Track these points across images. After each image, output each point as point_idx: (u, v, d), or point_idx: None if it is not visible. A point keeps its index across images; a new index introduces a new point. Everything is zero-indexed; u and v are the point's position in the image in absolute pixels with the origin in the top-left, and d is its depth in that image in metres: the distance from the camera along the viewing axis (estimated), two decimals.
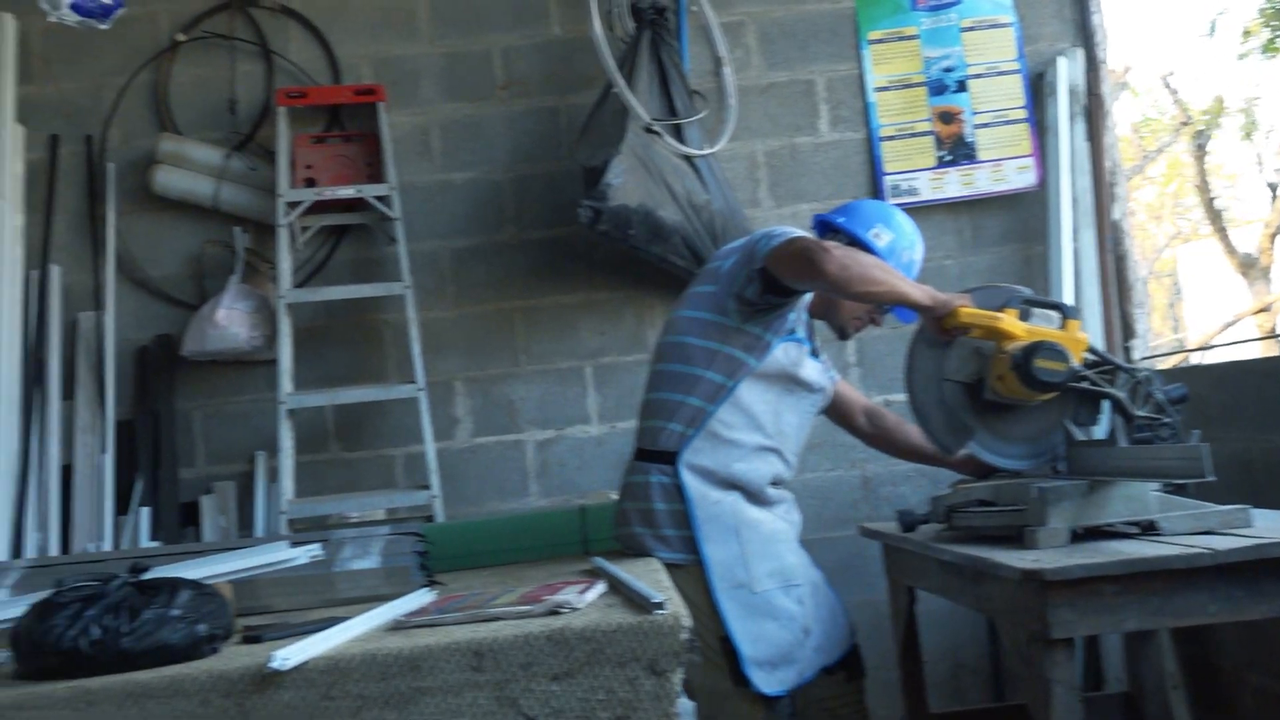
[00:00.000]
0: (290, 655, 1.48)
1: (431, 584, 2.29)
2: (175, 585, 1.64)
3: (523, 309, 3.79)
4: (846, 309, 2.60)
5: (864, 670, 2.62)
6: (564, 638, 1.55)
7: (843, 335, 2.69)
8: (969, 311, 2.26)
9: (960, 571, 2.32)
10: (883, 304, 2.45)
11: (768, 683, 2.37)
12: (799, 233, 2.35)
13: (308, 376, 3.60)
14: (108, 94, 3.73)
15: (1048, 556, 1.99)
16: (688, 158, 3.56)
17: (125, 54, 3.70)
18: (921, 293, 2.27)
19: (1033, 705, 2.00)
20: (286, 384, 3.42)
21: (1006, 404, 2.32)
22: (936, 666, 3.61)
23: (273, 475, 3.58)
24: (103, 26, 2.63)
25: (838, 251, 2.24)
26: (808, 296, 2.50)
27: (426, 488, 3.39)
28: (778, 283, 2.34)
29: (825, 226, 2.64)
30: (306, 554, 1.93)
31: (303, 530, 3.35)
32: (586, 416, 3.77)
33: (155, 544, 3.45)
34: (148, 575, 1.67)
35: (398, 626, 1.76)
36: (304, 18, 3.74)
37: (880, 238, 2.56)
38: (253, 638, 1.74)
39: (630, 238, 3.41)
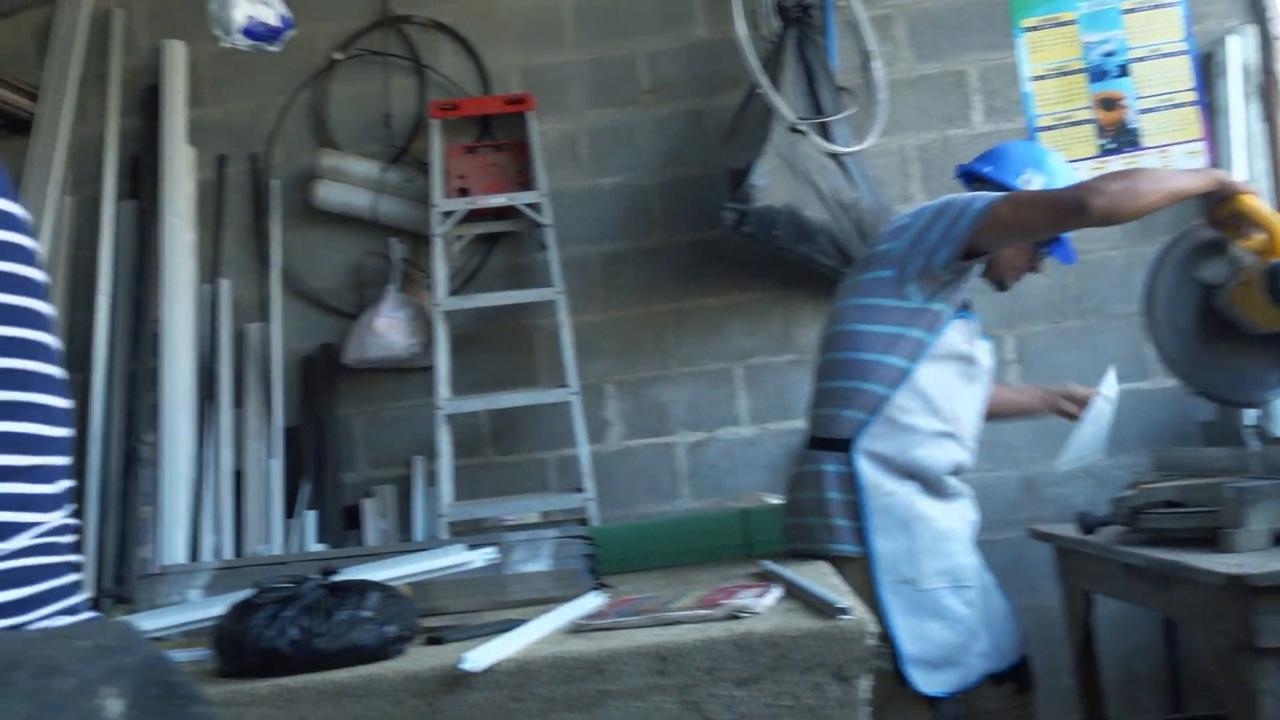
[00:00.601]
0: (480, 657, 1.50)
1: (600, 586, 2.30)
2: (365, 587, 1.68)
3: (671, 312, 3.79)
4: (1006, 260, 2.51)
5: (1035, 682, 2.53)
6: (748, 643, 1.53)
7: (1001, 287, 2.61)
8: (1250, 201, 2.15)
9: (1147, 575, 2.22)
10: (1158, 210, 2.21)
11: (927, 683, 2.31)
12: (999, 196, 2.28)
13: (462, 382, 3.67)
14: (270, 114, 3.87)
15: (1251, 560, 1.88)
16: (834, 156, 3.51)
17: (286, 75, 3.84)
18: (1199, 179, 2.22)
19: (1236, 717, 1.90)
20: (444, 390, 3.49)
21: (1233, 326, 2.21)
22: (1108, 674, 3.46)
23: (430, 479, 3.67)
24: (273, 49, 2.73)
25: (1097, 184, 2.17)
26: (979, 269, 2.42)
27: (581, 490, 3.42)
28: (972, 249, 2.28)
29: (970, 177, 2.57)
30: (483, 557, 1.96)
31: (461, 533, 3.41)
32: (737, 418, 3.75)
33: (321, 546, 3.57)
34: (337, 577, 1.72)
35: (578, 629, 1.76)
36: (454, 31, 3.82)
37: (1031, 183, 2.47)
38: (436, 639, 1.77)
39: (776, 238, 3.38)
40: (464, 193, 3.62)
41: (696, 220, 3.76)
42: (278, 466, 3.64)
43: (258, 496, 3.65)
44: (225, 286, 3.81)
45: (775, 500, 2.86)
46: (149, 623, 2.15)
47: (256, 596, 1.66)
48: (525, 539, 2.23)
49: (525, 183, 3.65)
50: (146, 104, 3.86)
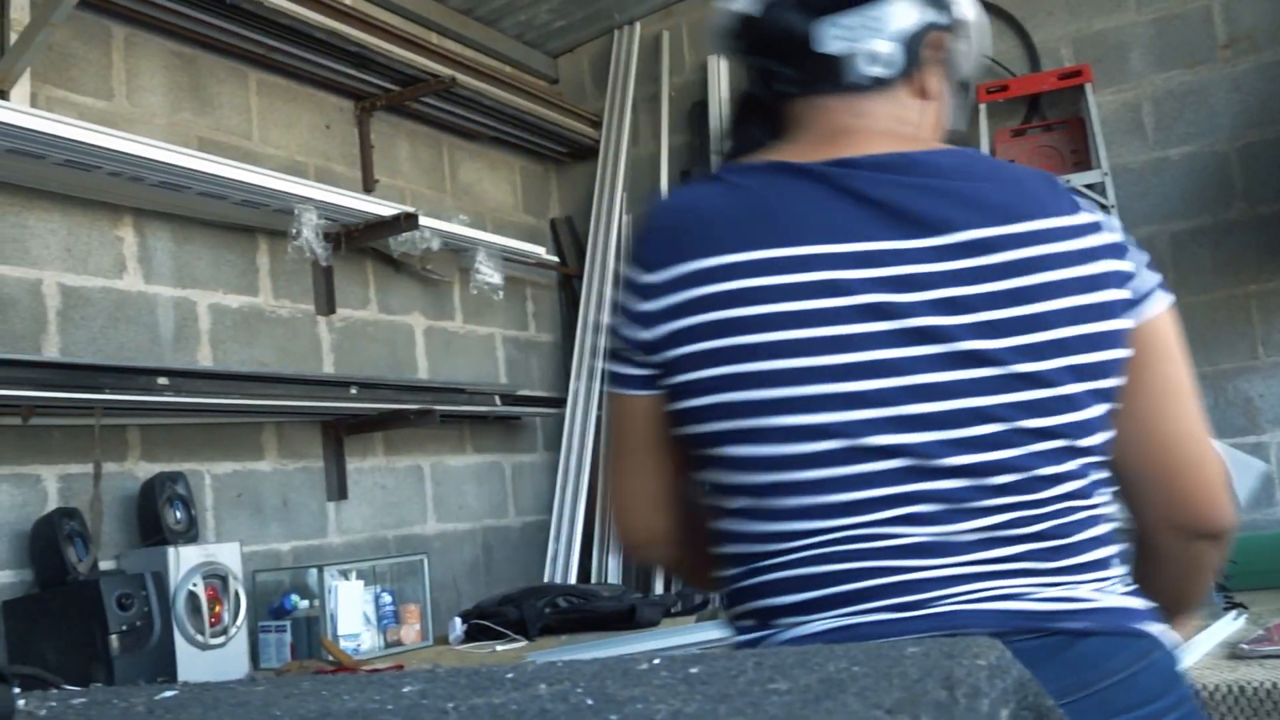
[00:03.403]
0: None
1: (1234, 606, 2.03)
2: None
3: (1258, 294, 3.33)
4: None
5: None
6: None
7: None
8: None
9: None
10: None
11: None
12: None
13: None
14: None
15: None
16: None
17: None
18: None
19: None
20: None
21: None
22: None
23: None
24: None
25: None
26: None
27: None
28: None
29: None
30: None
31: None
32: None
33: None
34: None
35: (1237, 655, 1.54)
36: (1000, 9, 3.64)
37: None
38: None
39: None
40: None
41: None
42: None
43: None
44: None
45: None
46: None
47: None
48: None
49: (1081, 162, 3.38)
50: (694, 120, 4.06)
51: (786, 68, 1.00)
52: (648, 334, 0.96)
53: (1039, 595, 0.89)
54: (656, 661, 0.53)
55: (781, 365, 0.90)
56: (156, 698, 0.91)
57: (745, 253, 0.92)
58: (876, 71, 0.99)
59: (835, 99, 1.00)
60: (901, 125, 1.01)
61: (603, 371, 1.06)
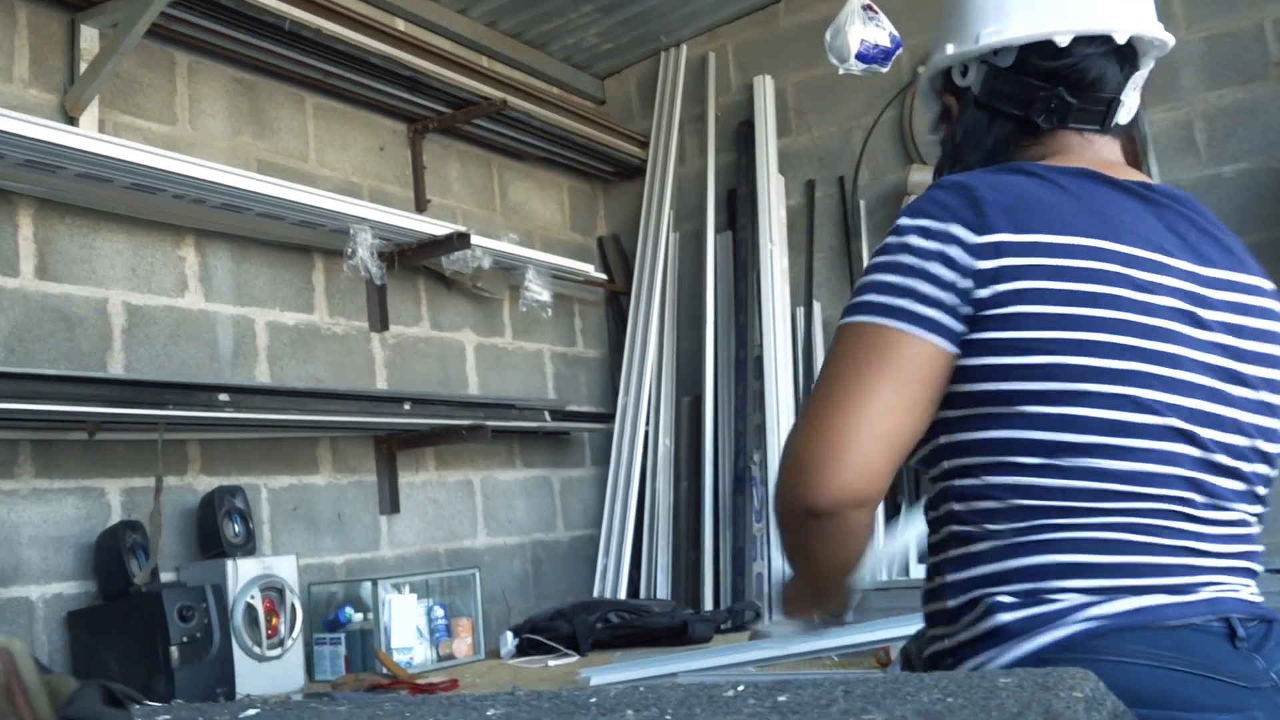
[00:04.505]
0: None
1: None
2: None
3: None
4: None
5: None
6: None
7: None
8: None
9: None
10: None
11: None
12: None
13: None
14: (856, 136, 3.92)
15: None
16: None
17: (870, 96, 3.87)
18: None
19: None
20: None
21: None
22: None
23: None
24: (883, 70, 2.73)
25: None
26: None
27: None
28: None
29: None
30: None
31: None
32: None
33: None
34: None
35: None
36: None
37: None
38: None
39: None
40: None
41: None
42: None
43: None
44: (817, 308, 3.91)
45: None
46: (811, 644, 2.21)
47: None
48: None
49: None
50: (739, 139, 4.09)
51: (1077, 100, 1.13)
52: (978, 289, 1.00)
53: (1251, 590, 1.05)
54: (741, 688, 0.54)
55: (1118, 340, 1.00)
56: (240, 716, 0.94)
57: (1088, 238, 1.02)
58: (1123, 119, 1.16)
59: (1098, 134, 1.15)
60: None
61: (862, 302, 1.04)
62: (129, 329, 2.67)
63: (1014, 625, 0.99)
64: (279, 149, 3.13)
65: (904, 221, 1.06)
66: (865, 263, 3.76)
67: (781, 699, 0.50)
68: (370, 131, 3.43)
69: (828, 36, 2.68)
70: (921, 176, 3.72)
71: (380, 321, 3.32)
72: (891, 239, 1.06)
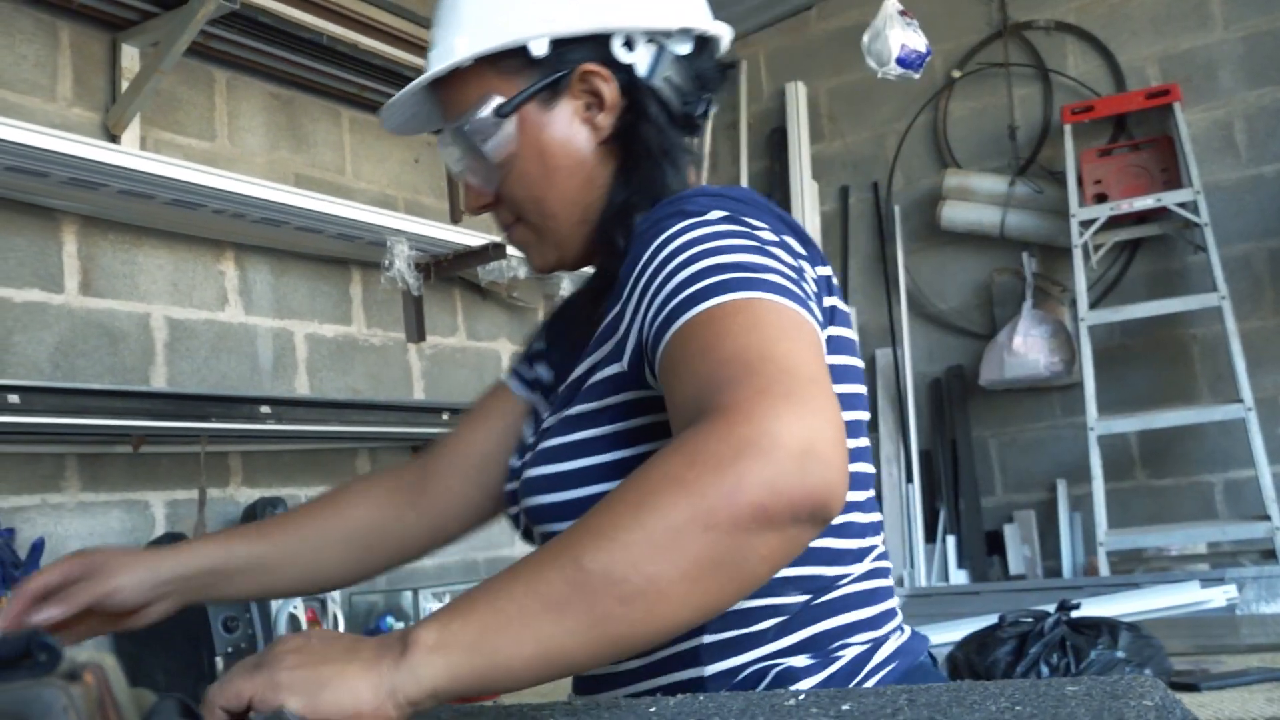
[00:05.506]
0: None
1: None
2: (1114, 626, 1.56)
3: None
4: None
5: None
6: None
7: None
8: None
9: None
10: None
11: None
12: None
13: (1107, 399, 3.42)
14: (889, 141, 3.91)
15: None
16: None
17: (903, 100, 3.86)
18: None
19: None
20: (1092, 409, 3.27)
21: None
22: None
23: (1075, 504, 3.46)
24: (915, 75, 2.73)
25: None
26: None
27: (1266, 518, 3.02)
28: None
29: None
30: (1224, 595, 1.75)
31: (1118, 564, 3.16)
32: None
33: (963, 573, 3.49)
34: (1078, 613, 1.61)
35: None
36: (1082, 30, 3.61)
37: None
38: (1186, 685, 1.60)
39: None
40: (1102, 198, 3.39)
41: None
42: (915, 491, 3.63)
43: (895, 521, 3.67)
44: (852, 314, 3.89)
45: None
46: None
47: (997, 629, 1.60)
48: (1254, 576, 1.98)
49: (1171, 180, 3.34)
50: (772, 145, 4.08)
51: None
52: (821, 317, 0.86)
53: None
54: (803, 697, 0.54)
55: (862, 390, 0.95)
56: None
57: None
58: None
59: None
60: None
61: (764, 281, 0.79)
62: (171, 343, 2.70)
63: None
64: (316, 163, 3.16)
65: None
66: (900, 268, 3.76)
67: (845, 707, 0.49)
68: (405, 144, 3.45)
69: (866, 40, 2.69)
70: (956, 180, 3.70)
71: (417, 332, 3.33)
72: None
